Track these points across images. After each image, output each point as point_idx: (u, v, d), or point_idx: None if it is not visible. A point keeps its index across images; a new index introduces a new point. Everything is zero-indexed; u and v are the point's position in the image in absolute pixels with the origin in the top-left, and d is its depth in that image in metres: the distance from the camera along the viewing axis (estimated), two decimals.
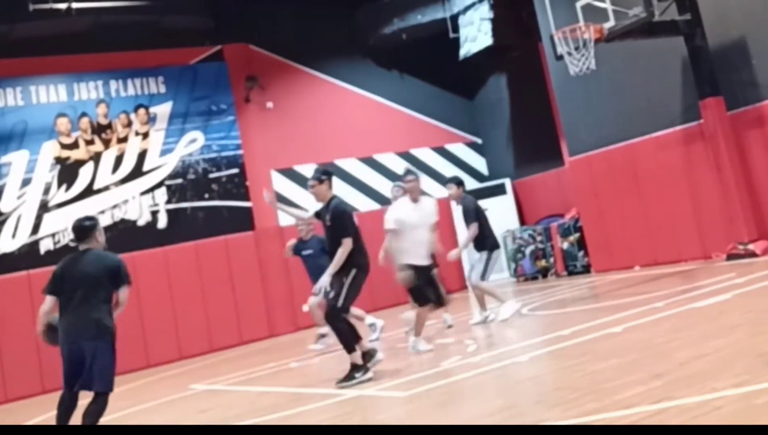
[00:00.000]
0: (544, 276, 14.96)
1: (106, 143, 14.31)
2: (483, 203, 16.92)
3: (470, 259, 9.77)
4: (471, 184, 17.46)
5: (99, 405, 5.85)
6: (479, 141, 17.98)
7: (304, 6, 15.72)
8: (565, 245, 14.47)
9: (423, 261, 7.99)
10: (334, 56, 16.58)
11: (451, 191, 9.98)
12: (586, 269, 13.94)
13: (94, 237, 6.14)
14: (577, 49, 11.02)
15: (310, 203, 15.82)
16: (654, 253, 12.45)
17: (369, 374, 6.76)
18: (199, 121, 15.15)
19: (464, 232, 9.94)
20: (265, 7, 15.32)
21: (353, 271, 6.91)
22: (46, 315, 5.97)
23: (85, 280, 5.88)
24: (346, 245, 6.86)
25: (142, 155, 14.55)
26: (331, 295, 6.87)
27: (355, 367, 6.77)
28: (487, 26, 15.32)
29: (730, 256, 10.70)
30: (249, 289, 14.47)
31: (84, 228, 6.15)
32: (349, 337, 6.85)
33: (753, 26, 10.85)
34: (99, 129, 14.30)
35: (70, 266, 6.02)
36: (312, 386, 7.28)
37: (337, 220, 6.98)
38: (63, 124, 13.99)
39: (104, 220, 14.03)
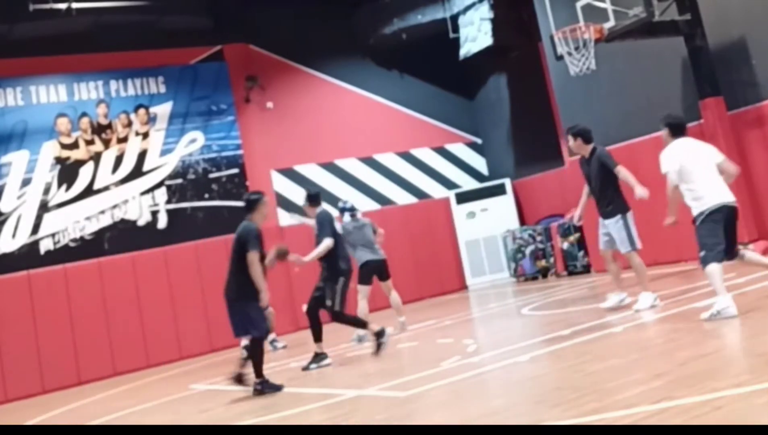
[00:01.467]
0: (544, 276, 14.97)
1: (106, 143, 14.32)
2: (482, 203, 17.17)
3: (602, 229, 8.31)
4: (471, 184, 17.49)
5: (251, 346, 7.25)
6: (479, 141, 17.98)
7: (304, 6, 15.72)
8: (565, 245, 14.47)
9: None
10: (334, 56, 16.59)
11: (570, 144, 8.41)
12: (586, 269, 13.94)
13: (251, 212, 7.38)
14: (577, 49, 11.02)
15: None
16: (654, 253, 12.41)
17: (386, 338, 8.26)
18: (199, 121, 15.16)
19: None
20: (265, 7, 15.31)
21: (341, 280, 8.35)
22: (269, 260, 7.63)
23: (232, 249, 7.24)
24: (324, 243, 8.30)
25: (142, 155, 14.56)
26: (328, 303, 8.30)
27: (377, 333, 8.22)
28: (487, 26, 15.32)
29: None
30: None
31: (245, 202, 7.52)
32: (359, 323, 8.59)
33: (753, 26, 10.85)
34: (99, 129, 14.31)
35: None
36: (312, 386, 7.28)
37: (318, 225, 8.53)
38: (63, 124, 14.00)
39: (104, 220, 14.06)
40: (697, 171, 6.71)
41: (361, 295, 9.93)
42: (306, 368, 8.41)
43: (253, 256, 7.06)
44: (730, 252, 6.63)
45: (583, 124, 8.40)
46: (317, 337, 8.48)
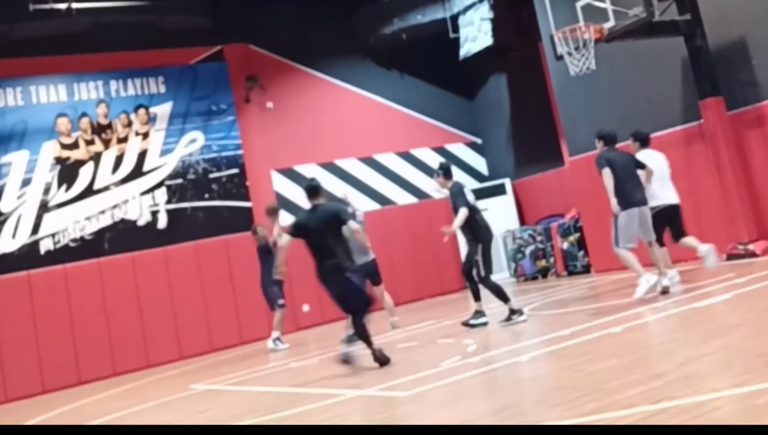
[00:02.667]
0: (544, 276, 14.96)
1: (106, 143, 14.32)
2: (483, 203, 17.06)
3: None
4: (471, 184, 17.48)
5: (354, 323, 7.41)
6: (479, 141, 17.98)
7: (304, 6, 15.72)
8: (565, 245, 14.46)
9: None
10: (334, 56, 16.59)
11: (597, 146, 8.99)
12: (586, 269, 13.93)
13: (318, 197, 7.56)
14: (577, 49, 11.01)
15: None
16: None
17: (524, 316, 8.64)
18: (199, 121, 15.16)
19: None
20: (265, 7, 15.32)
21: (479, 247, 8.68)
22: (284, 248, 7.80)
23: (319, 231, 7.32)
24: (461, 213, 8.65)
25: (142, 155, 14.56)
26: (474, 272, 8.71)
27: (512, 311, 8.59)
28: (487, 26, 15.32)
29: (730, 256, 10.69)
30: (249, 289, 14.45)
31: (312, 188, 7.59)
32: (501, 293, 8.65)
33: (753, 26, 10.84)
34: (99, 129, 14.31)
35: (307, 220, 7.52)
36: (312, 386, 7.28)
37: (451, 198, 8.93)
38: (63, 124, 14.00)
39: (104, 220, 14.06)
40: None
41: None
42: (466, 324, 8.93)
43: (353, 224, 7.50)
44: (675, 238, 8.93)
45: (608, 129, 9.08)
46: (476, 297, 8.96)
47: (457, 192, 8.87)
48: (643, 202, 8.43)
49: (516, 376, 5.85)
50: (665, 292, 8.24)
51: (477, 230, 8.76)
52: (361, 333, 7.41)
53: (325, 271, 7.38)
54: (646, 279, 8.13)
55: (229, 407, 7.10)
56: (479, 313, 8.96)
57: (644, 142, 9.32)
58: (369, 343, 7.39)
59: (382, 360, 7.31)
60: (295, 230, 7.53)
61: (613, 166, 8.42)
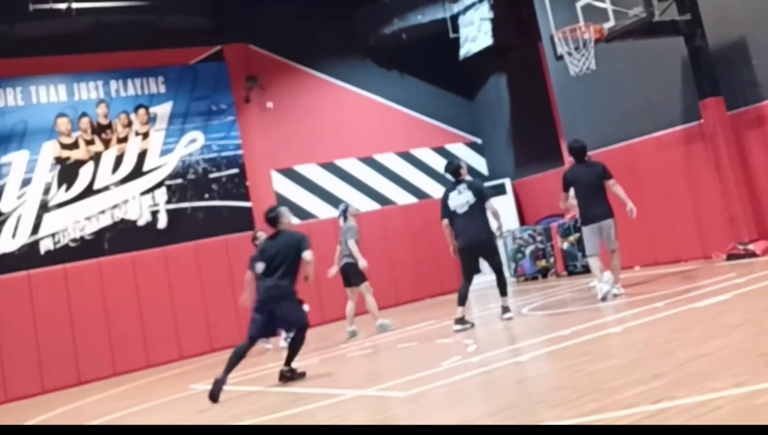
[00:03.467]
0: (544, 276, 14.96)
1: (106, 143, 14.32)
2: None
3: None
4: None
5: (299, 337, 7.73)
6: (479, 141, 17.98)
7: (304, 6, 15.72)
8: (565, 245, 14.46)
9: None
10: (334, 56, 16.59)
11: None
12: (586, 269, 13.91)
13: (281, 222, 7.85)
14: (577, 49, 11.01)
15: (310, 204, 15.88)
16: (654, 253, 12.45)
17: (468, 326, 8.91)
18: (199, 121, 15.16)
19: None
20: (265, 7, 15.32)
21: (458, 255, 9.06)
22: (250, 282, 7.83)
23: (279, 254, 7.63)
24: (444, 229, 9.17)
25: (142, 155, 14.56)
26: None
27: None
28: (487, 26, 15.32)
29: (730, 256, 10.69)
30: None
31: (272, 218, 7.85)
32: (461, 300, 8.94)
33: (753, 26, 10.84)
34: (99, 129, 14.32)
35: (268, 246, 7.82)
36: (312, 386, 7.28)
37: None
38: (63, 124, 14.00)
39: (104, 220, 14.06)
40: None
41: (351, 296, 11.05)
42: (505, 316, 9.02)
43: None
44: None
45: (579, 143, 9.53)
46: (503, 292, 9.13)
47: (441, 202, 9.18)
48: (603, 217, 9.02)
49: (516, 376, 5.85)
50: (604, 299, 8.82)
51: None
52: (298, 348, 7.79)
53: (275, 291, 7.63)
54: (599, 287, 8.94)
55: (229, 407, 7.09)
56: (505, 308, 9.22)
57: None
58: (292, 360, 7.77)
59: (294, 378, 7.68)
60: (259, 256, 7.78)
61: (576, 184, 9.23)
